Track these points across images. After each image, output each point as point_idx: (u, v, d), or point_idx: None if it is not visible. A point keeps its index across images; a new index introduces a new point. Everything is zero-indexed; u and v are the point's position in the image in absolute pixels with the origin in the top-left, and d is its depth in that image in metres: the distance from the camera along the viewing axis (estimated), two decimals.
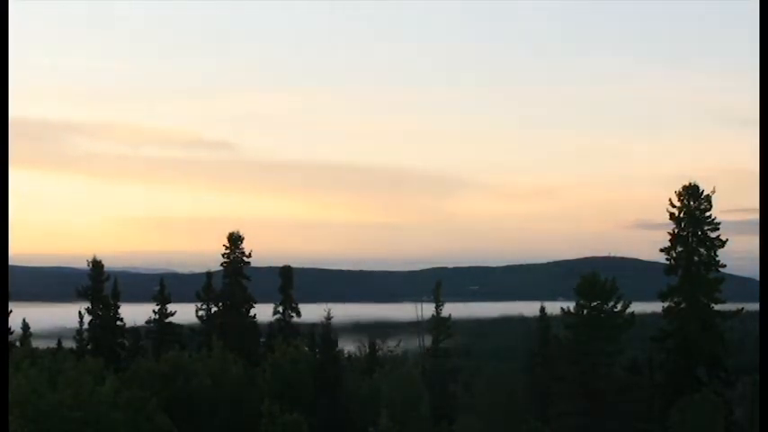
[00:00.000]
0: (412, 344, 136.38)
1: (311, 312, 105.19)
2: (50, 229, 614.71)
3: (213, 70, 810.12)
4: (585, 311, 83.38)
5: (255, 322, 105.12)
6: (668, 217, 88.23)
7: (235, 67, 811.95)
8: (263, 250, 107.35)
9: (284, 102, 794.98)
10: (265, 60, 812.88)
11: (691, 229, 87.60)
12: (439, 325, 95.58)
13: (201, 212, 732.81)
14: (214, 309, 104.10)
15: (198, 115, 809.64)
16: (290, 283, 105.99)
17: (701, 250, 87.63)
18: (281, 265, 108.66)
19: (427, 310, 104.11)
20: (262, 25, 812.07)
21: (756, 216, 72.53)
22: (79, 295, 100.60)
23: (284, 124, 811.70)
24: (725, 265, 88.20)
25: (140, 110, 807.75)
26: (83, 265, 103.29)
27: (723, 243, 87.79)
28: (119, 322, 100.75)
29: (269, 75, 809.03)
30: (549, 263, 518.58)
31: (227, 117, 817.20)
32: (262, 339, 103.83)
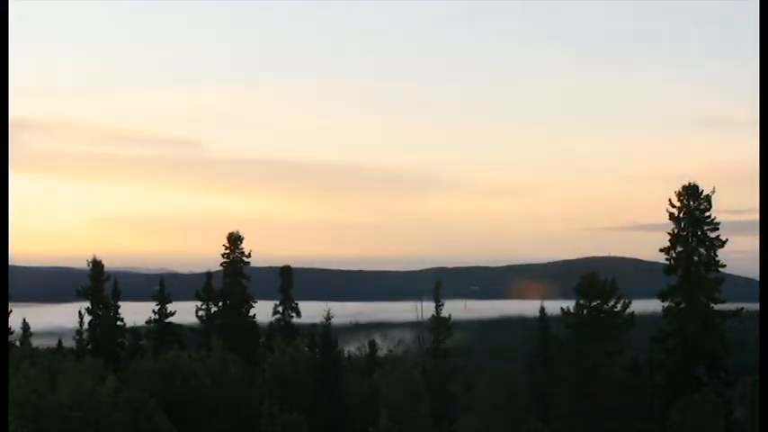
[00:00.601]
0: (412, 344, 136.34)
1: (311, 312, 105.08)
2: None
3: (171, 66, 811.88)
4: (585, 311, 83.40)
5: (255, 322, 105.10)
6: (668, 217, 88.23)
7: (194, 63, 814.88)
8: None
9: (249, 98, 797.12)
10: (229, 56, 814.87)
11: (690, 229, 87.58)
12: (439, 325, 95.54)
13: (169, 211, 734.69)
14: (214, 309, 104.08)
15: (156, 112, 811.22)
16: (290, 283, 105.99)
17: (701, 250, 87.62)
18: (281, 265, 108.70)
19: (427, 310, 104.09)
20: (224, 22, 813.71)
21: (756, 216, 72.47)
22: (79, 295, 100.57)
23: (250, 121, 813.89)
24: (725, 265, 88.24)
25: (96, 107, 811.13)
26: (83, 265, 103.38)
27: (723, 243, 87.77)
28: (119, 322, 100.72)
29: (232, 71, 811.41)
30: (548, 263, 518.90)
31: (186, 114, 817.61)
32: (261, 339, 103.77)
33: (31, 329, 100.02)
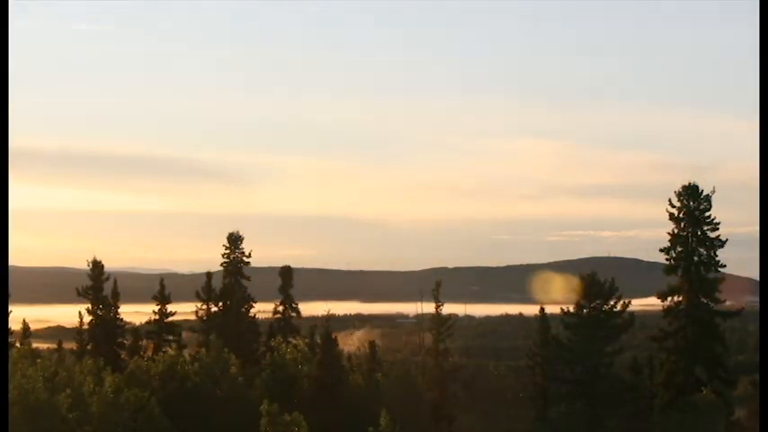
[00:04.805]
0: (412, 344, 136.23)
1: (311, 312, 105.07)
2: None
3: None
4: (585, 311, 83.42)
5: (255, 322, 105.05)
6: (668, 217, 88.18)
7: None
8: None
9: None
10: None
11: (690, 229, 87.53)
12: (439, 325, 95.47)
13: None
14: (214, 309, 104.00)
15: None
16: (290, 282, 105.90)
17: (701, 250, 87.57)
18: (281, 265, 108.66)
19: (427, 310, 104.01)
20: None
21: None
22: (79, 295, 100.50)
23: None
24: (725, 265, 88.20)
25: None
26: (83, 265, 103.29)
27: (723, 243, 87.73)
28: (119, 322, 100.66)
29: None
30: (549, 263, 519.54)
31: None
32: (261, 339, 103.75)
33: (31, 329, 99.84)
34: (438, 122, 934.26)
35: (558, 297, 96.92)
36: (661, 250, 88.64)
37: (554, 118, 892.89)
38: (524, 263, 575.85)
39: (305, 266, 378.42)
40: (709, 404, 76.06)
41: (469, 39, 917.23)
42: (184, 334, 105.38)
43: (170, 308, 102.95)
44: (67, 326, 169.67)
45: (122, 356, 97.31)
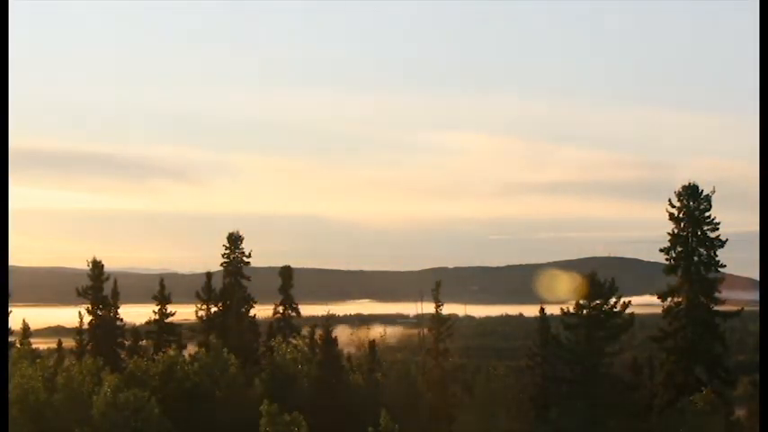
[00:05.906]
0: (412, 344, 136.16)
1: (311, 312, 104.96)
2: None
3: None
4: (585, 311, 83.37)
5: (255, 322, 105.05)
6: (668, 217, 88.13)
7: None
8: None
9: None
10: None
11: (690, 229, 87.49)
12: (439, 325, 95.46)
13: None
14: (214, 309, 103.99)
15: None
16: (290, 282, 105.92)
17: (701, 250, 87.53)
18: (281, 265, 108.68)
19: (427, 309, 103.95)
20: None
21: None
22: (79, 295, 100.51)
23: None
24: (725, 265, 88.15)
25: None
26: (83, 265, 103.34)
27: (723, 243, 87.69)
28: (119, 322, 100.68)
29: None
30: (548, 263, 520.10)
31: None
32: (261, 339, 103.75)
33: (31, 329, 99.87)
34: (409, 121, 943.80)
35: (563, 295, 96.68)
36: (661, 250, 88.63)
37: (547, 116, 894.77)
38: (524, 263, 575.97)
39: (305, 266, 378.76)
40: (710, 404, 76.00)
41: (437, 37, 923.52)
42: (184, 334, 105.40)
43: (170, 308, 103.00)
44: (67, 326, 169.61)
45: (122, 356, 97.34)
